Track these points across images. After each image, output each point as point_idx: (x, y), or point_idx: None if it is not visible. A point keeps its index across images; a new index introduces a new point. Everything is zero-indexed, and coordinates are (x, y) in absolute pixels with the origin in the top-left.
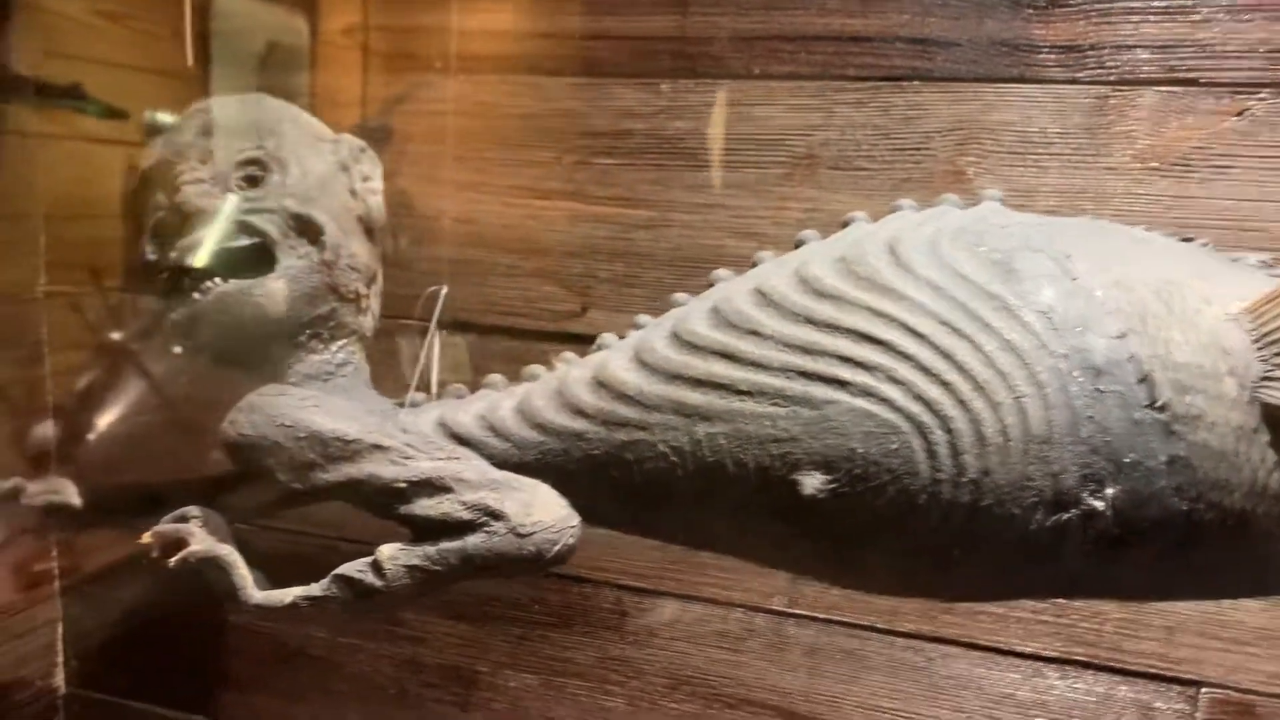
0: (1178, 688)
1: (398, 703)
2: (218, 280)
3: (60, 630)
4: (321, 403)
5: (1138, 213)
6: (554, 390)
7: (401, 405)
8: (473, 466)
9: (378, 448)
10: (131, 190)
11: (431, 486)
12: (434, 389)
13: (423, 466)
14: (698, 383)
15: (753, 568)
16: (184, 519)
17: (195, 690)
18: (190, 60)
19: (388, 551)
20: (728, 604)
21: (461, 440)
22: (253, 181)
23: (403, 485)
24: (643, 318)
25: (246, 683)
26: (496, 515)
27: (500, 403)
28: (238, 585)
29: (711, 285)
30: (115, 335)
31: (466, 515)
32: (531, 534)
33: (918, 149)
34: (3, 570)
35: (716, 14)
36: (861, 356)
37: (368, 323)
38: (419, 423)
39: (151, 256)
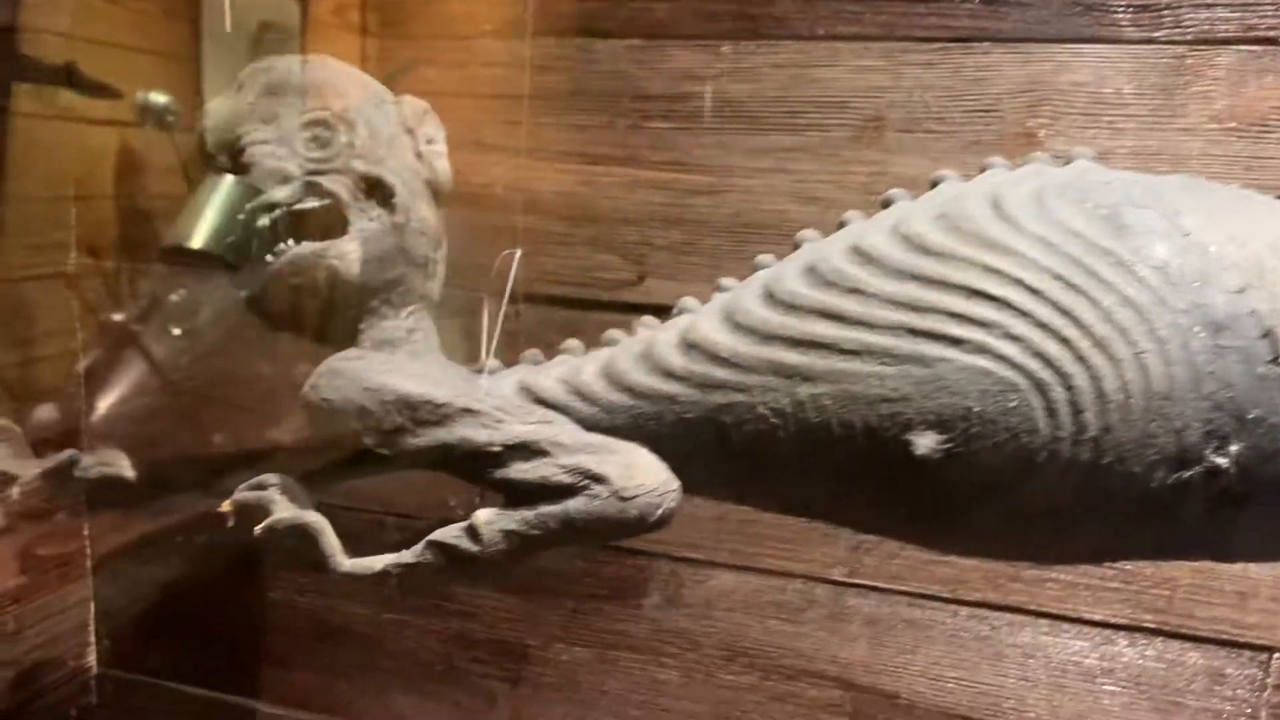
0: (1249, 653)
1: (445, 678)
2: (290, 243)
3: (92, 610)
4: (404, 367)
5: (1214, 175)
6: (640, 353)
7: (478, 371)
8: (567, 430)
9: (468, 411)
10: (190, 152)
11: (527, 450)
12: (486, 355)
13: (516, 430)
14: (797, 343)
15: (814, 538)
16: (262, 486)
17: (231, 669)
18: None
19: (484, 516)
20: (786, 575)
21: (547, 404)
22: (320, 142)
23: (497, 449)
24: (727, 280)
25: (286, 660)
26: (598, 478)
27: (582, 367)
28: (326, 553)
29: (797, 246)
30: (123, 314)
31: (566, 479)
32: (635, 497)
33: (988, 111)
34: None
35: None
36: (975, 313)
37: (435, 288)
38: (500, 387)
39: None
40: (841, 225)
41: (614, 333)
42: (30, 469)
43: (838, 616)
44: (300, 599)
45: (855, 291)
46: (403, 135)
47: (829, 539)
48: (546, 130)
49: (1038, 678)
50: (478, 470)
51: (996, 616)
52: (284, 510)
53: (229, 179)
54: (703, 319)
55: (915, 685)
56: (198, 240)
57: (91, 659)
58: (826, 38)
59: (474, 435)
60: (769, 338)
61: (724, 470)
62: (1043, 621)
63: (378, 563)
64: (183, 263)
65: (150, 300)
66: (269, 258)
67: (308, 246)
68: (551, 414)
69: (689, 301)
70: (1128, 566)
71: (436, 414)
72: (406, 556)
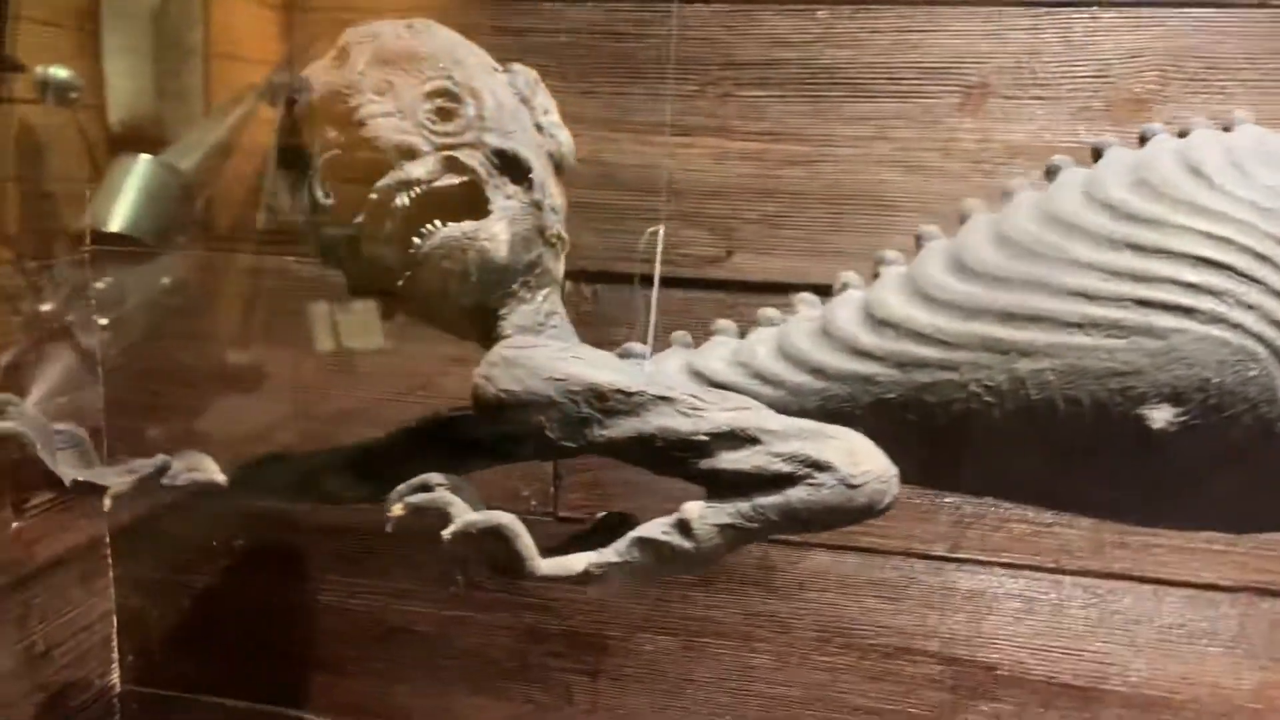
0: None
1: (517, 675)
2: (437, 224)
3: (115, 624)
4: (581, 353)
5: None
6: (818, 332)
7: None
8: (775, 416)
9: (663, 400)
10: (282, 131)
11: (736, 438)
12: (648, 338)
13: (719, 418)
14: (1011, 317)
15: (913, 514)
16: (427, 487)
17: (277, 677)
18: None
19: (696, 510)
20: (885, 552)
21: (726, 389)
22: (446, 115)
23: (704, 438)
24: (890, 253)
25: (337, 665)
26: (821, 466)
27: (752, 349)
28: (524, 555)
29: (964, 217)
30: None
31: (785, 467)
32: (863, 484)
33: (1096, 77)
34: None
35: None
36: (1205, 282)
37: (562, 269)
38: (667, 373)
39: (326, 200)
40: (1006, 195)
41: (769, 311)
42: (122, 479)
43: (938, 592)
44: (352, 601)
45: (1068, 263)
46: (521, 106)
47: (929, 515)
48: (629, 102)
49: (1142, 643)
50: (679, 461)
51: (1101, 584)
52: (464, 511)
53: (144, 159)
54: (886, 295)
55: (1018, 656)
56: (116, 223)
57: (115, 677)
58: (927, 1)
59: (676, 425)
60: (975, 312)
61: (920, 453)
62: (1146, 587)
63: (578, 563)
64: (107, 245)
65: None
66: (416, 240)
67: (457, 228)
68: (747, 399)
69: (852, 276)
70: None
71: (629, 403)
72: (610, 555)
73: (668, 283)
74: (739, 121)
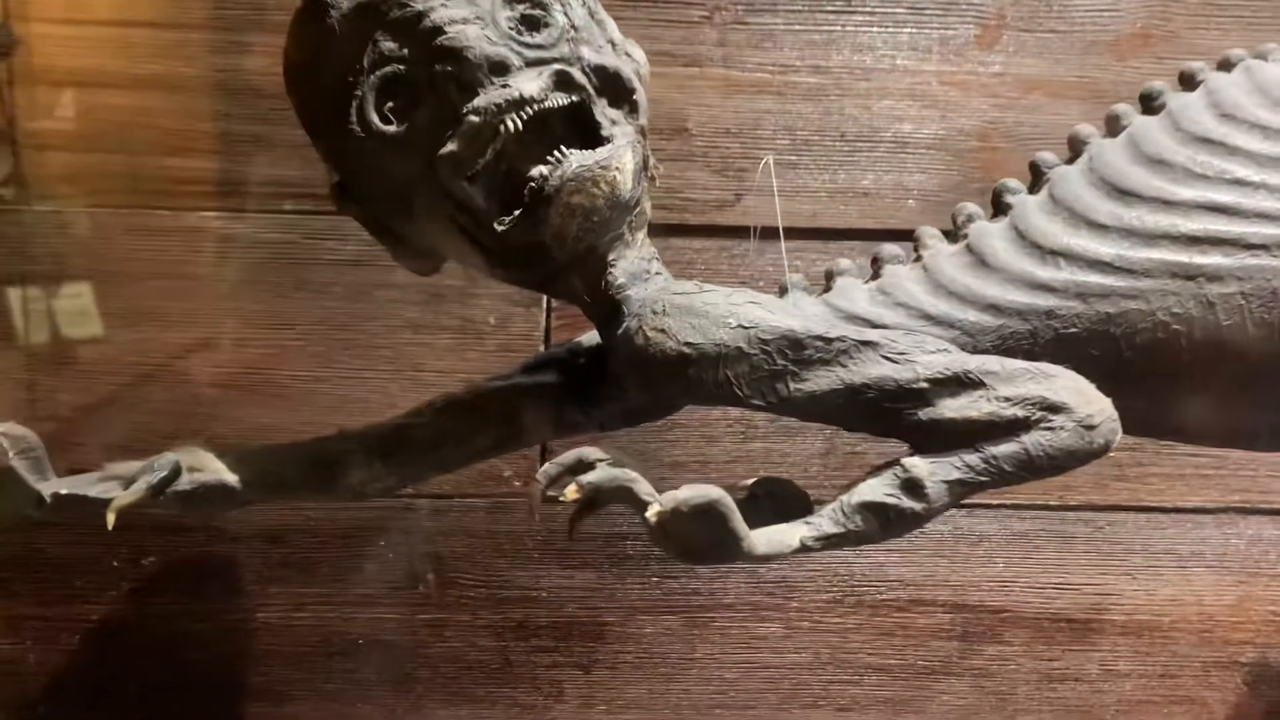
0: None
1: (500, 678)
2: (566, 151)
3: None
4: (756, 298)
5: None
6: (974, 265)
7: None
8: (989, 357)
9: (867, 345)
10: (316, 40)
11: (959, 383)
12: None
13: (935, 361)
14: (1194, 241)
15: None
16: (585, 462)
17: (211, 714)
18: None
19: (924, 468)
20: None
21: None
22: (530, 23)
23: (923, 385)
24: (1012, 182)
25: (282, 690)
26: (1056, 408)
27: (902, 287)
28: (739, 534)
29: (1078, 145)
30: None
31: (1019, 412)
32: (1099, 424)
33: (1106, 10)
34: None
35: None
36: None
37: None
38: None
39: (391, 129)
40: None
41: (891, 248)
42: (133, 491)
43: (947, 540)
44: (299, 615)
45: (1236, 183)
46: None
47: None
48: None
49: (1136, 570)
50: (891, 414)
51: (1101, 517)
52: (649, 487)
53: None
54: (1040, 223)
55: (1024, 597)
56: None
57: None
58: None
59: (889, 373)
60: (1155, 238)
61: (1102, 390)
62: (1142, 516)
63: (792, 538)
64: None
65: None
66: (542, 171)
67: (589, 155)
68: (942, 342)
69: (971, 207)
70: (1218, 452)
71: (829, 351)
72: (827, 525)
73: (671, 230)
74: (749, 52)
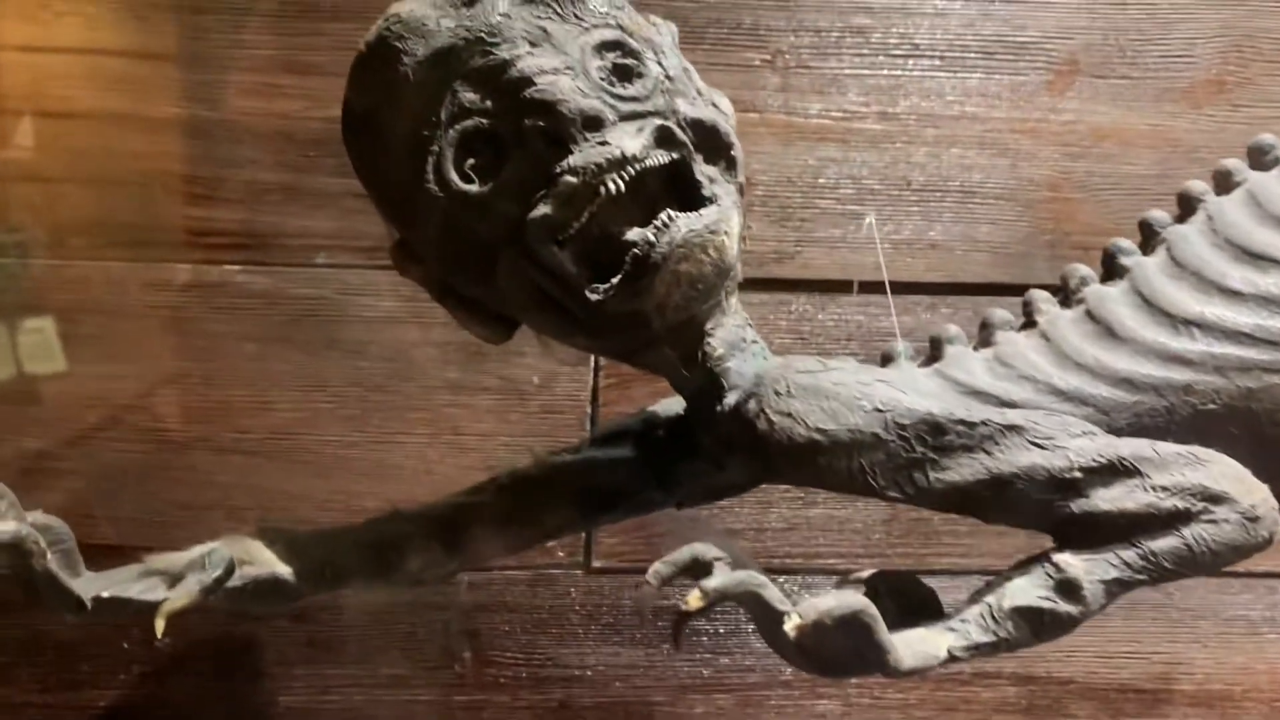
0: None
1: None
2: (673, 214)
3: None
4: (883, 374)
5: None
6: (1102, 334)
7: None
8: (1140, 441)
9: (1012, 429)
10: (385, 88)
11: (1113, 471)
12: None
13: (1084, 446)
14: None
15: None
16: (703, 564)
17: None
18: None
19: (1080, 567)
20: (964, 572)
21: (1019, 407)
22: (623, 73)
23: (1076, 475)
24: (1122, 242)
25: None
26: (1218, 498)
27: (1023, 356)
28: (885, 647)
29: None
30: None
31: (1179, 503)
32: (1262, 515)
33: (1180, 57)
34: None
35: None
36: None
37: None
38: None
39: (473, 188)
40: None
41: (1002, 313)
42: (182, 591)
43: None
44: (326, 698)
45: None
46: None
47: (1004, 530)
48: None
49: (1206, 638)
50: (1039, 506)
51: (1169, 584)
52: (778, 594)
53: None
54: (1166, 289)
55: (1090, 666)
56: None
57: None
58: None
59: (1040, 461)
60: None
61: None
62: (1213, 581)
63: (938, 648)
64: None
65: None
66: (648, 235)
67: (697, 219)
68: (1085, 423)
69: (1082, 269)
70: None
71: (973, 437)
72: (975, 633)
73: None
74: (812, 97)
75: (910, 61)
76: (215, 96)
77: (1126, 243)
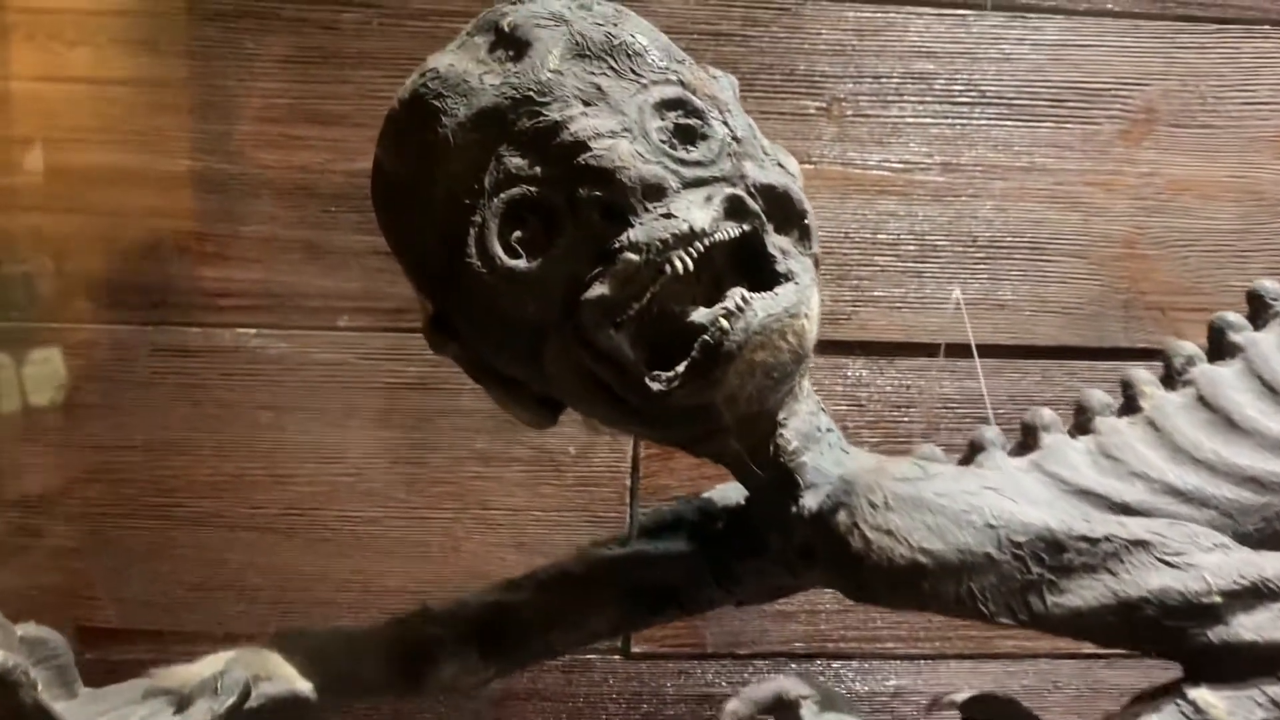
0: None
1: None
2: (747, 296)
3: None
4: (989, 480)
5: None
6: (1218, 424)
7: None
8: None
9: (1137, 544)
10: (421, 151)
11: (1256, 594)
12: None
13: (1221, 565)
14: None
15: None
16: (788, 703)
17: None
18: None
19: (1221, 706)
20: (1031, 656)
21: (1132, 511)
22: (687, 135)
23: (1215, 599)
24: (1230, 316)
25: None
26: None
27: (1132, 450)
28: None
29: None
30: None
31: None
32: None
33: (1265, 104)
34: None
35: None
36: None
37: None
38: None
39: (520, 264)
40: None
41: (1100, 395)
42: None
43: (1086, 693)
44: None
45: None
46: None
47: None
48: None
49: None
50: (1171, 633)
51: None
52: None
53: None
54: None
55: None
56: None
57: None
58: (1092, 12)
59: (1174, 584)
60: None
61: None
62: None
63: None
64: None
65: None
66: (720, 322)
67: (774, 300)
68: (1217, 534)
69: (1187, 346)
70: None
71: (1094, 554)
72: None
73: None
74: (871, 147)
75: (976, 109)
76: (231, 148)
77: (1235, 316)
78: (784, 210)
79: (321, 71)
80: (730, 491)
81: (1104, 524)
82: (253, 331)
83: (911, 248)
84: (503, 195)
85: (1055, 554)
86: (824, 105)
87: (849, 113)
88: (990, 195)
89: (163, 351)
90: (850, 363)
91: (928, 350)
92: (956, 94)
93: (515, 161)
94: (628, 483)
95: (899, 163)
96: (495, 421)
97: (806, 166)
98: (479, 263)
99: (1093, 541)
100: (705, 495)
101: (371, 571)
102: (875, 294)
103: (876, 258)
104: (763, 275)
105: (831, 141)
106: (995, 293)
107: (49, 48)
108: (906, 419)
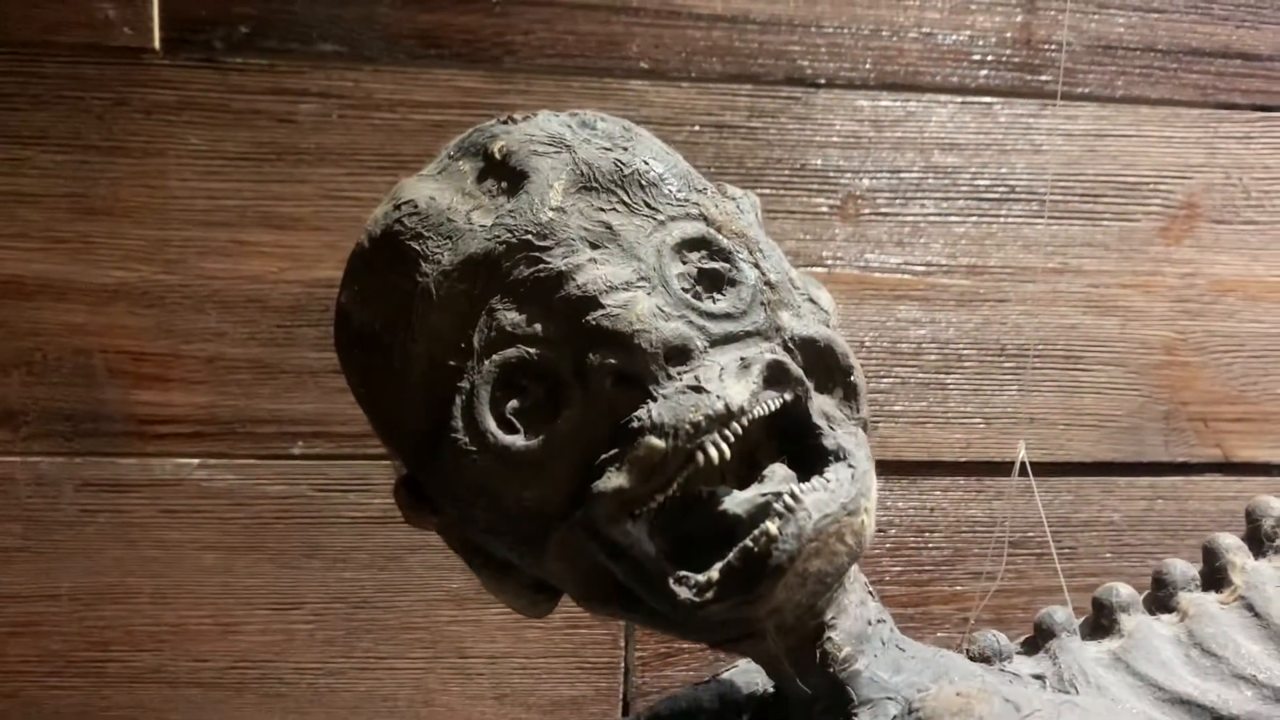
0: None
1: None
2: (797, 492)
3: None
4: (1080, 702)
5: None
6: None
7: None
8: None
9: None
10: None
11: None
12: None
13: None
14: None
15: None
16: None
17: None
18: None
19: None
20: None
21: None
22: (713, 281)
23: None
24: None
25: None
26: None
27: (1231, 642)
28: None
29: None
30: None
31: None
32: None
33: None
34: None
35: (1063, 9)
36: None
37: None
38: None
39: (517, 441)
40: None
41: (1181, 566)
42: None
43: None
44: None
45: None
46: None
47: None
48: None
49: None
50: None
51: None
52: None
53: None
54: None
55: None
56: None
57: None
58: (1129, 99)
59: None
60: None
61: None
62: None
63: None
64: None
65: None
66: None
67: (827, 493)
68: None
69: (1276, 504)
70: None
71: None
72: None
73: None
74: (890, 249)
75: (1004, 206)
76: (170, 256)
77: None
78: (826, 367)
79: (275, 169)
80: (754, 673)
81: None
82: (196, 462)
83: (934, 357)
84: (496, 357)
85: None
86: (838, 203)
87: (865, 211)
88: (1020, 299)
89: (92, 486)
90: (890, 485)
91: (952, 469)
92: (983, 189)
93: (511, 317)
94: (622, 624)
95: (920, 265)
96: None
97: (819, 270)
98: (466, 438)
99: None
100: (725, 677)
101: None
102: (895, 408)
103: (896, 369)
104: (805, 449)
105: (846, 242)
106: (1024, 405)
107: None
108: (929, 545)
